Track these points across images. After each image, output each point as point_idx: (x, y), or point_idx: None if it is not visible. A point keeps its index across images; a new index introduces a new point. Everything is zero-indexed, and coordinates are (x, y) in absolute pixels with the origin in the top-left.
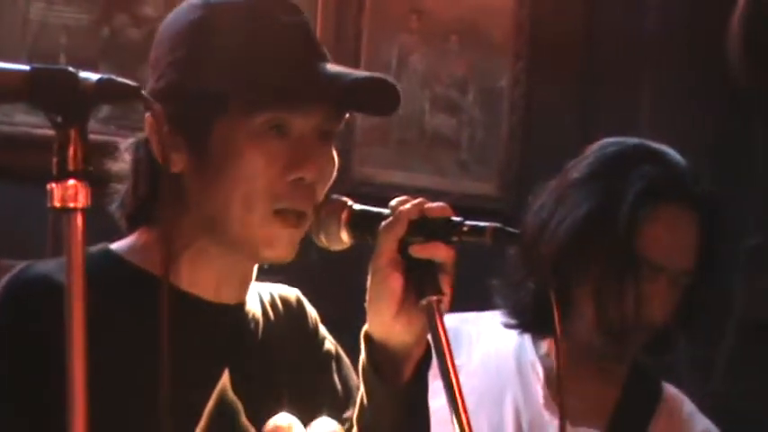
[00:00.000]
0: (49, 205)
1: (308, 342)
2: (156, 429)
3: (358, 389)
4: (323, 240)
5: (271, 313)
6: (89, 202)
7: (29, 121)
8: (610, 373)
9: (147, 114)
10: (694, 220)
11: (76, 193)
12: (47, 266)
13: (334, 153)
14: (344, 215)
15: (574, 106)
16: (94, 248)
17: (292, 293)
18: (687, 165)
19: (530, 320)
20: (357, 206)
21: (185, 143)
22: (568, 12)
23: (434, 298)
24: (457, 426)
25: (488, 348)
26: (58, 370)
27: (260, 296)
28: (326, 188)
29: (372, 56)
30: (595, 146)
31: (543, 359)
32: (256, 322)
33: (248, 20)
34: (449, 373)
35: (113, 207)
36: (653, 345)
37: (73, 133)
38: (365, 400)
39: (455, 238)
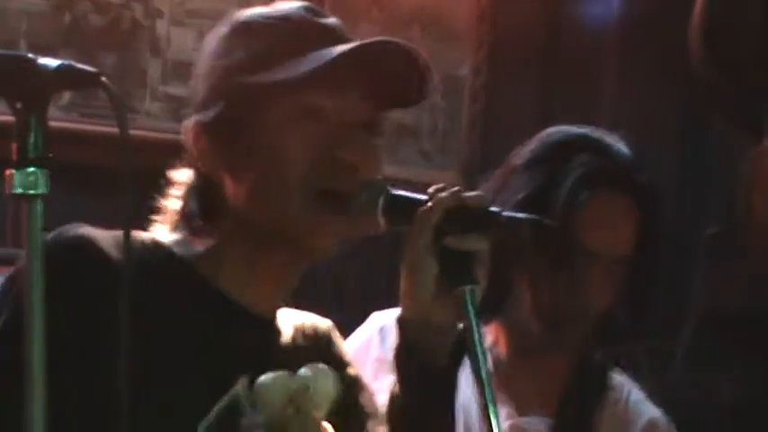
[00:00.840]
0: (8, 192)
1: (333, 367)
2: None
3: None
4: (360, 224)
5: (300, 337)
6: (48, 189)
7: None
8: (556, 362)
9: (187, 127)
10: (632, 208)
11: (37, 180)
12: (97, 232)
13: (378, 145)
14: (382, 200)
15: (536, 96)
16: (144, 235)
17: (324, 323)
18: (629, 154)
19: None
20: (394, 191)
21: (225, 146)
22: (532, 2)
23: (468, 287)
24: (484, 414)
25: None
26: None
27: (292, 319)
28: (371, 177)
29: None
30: (541, 134)
31: (490, 349)
32: (284, 340)
33: (279, 19)
34: (479, 362)
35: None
36: (599, 334)
37: (33, 120)
38: (396, 389)
39: (492, 229)
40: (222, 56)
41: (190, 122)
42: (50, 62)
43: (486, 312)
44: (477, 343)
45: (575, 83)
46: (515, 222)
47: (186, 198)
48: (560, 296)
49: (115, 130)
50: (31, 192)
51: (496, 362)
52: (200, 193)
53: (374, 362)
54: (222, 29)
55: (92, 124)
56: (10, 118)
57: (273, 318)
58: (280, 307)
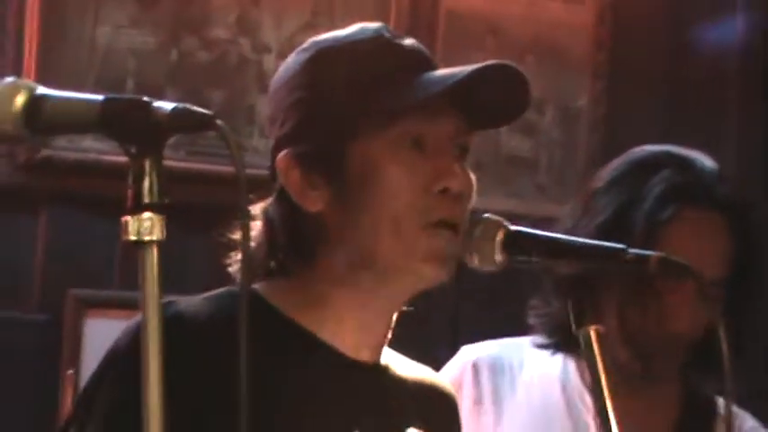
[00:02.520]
0: (123, 238)
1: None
2: None
3: None
4: (474, 261)
5: (417, 392)
6: (164, 235)
7: (97, 147)
8: (661, 396)
9: (278, 160)
10: (721, 225)
11: (152, 226)
12: (190, 305)
13: (469, 170)
14: (500, 235)
15: (657, 128)
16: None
17: (448, 387)
18: (715, 168)
19: (561, 339)
20: (513, 227)
21: (321, 179)
22: (652, 27)
23: (593, 327)
24: None
25: (532, 378)
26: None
27: (409, 369)
28: (469, 205)
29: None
30: (624, 155)
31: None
32: (399, 389)
33: (358, 46)
34: (604, 404)
35: (233, 265)
36: (698, 364)
37: (147, 164)
38: None
39: (616, 266)
40: (309, 86)
41: (281, 155)
42: (165, 105)
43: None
44: (602, 385)
45: (699, 111)
46: (642, 260)
47: (276, 235)
48: (648, 323)
49: (224, 168)
50: (147, 239)
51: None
52: (293, 229)
53: (468, 402)
54: (302, 56)
55: (200, 163)
56: (119, 158)
57: (378, 363)
58: (381, 350)
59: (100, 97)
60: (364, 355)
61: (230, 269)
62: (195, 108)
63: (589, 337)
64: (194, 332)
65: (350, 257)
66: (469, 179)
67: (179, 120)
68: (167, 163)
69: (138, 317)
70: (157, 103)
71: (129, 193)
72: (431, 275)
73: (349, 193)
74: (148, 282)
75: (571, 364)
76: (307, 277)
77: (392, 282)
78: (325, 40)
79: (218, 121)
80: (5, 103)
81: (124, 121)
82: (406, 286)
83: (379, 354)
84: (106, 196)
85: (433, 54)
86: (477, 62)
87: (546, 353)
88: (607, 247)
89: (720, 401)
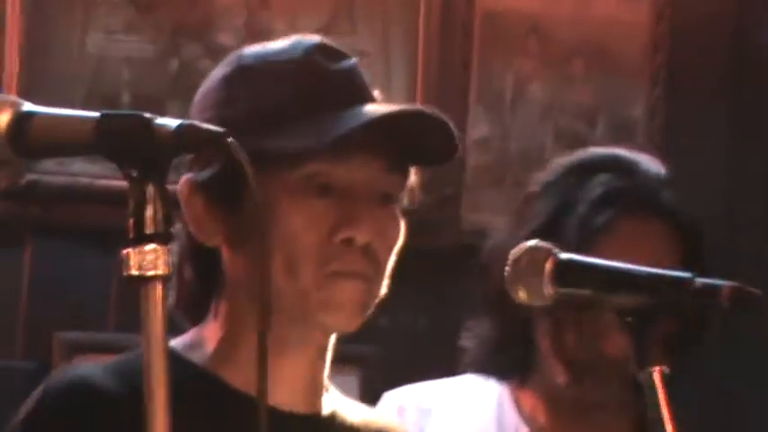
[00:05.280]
0: (123, 273)
1: None
2: None
3: None
4: (521, 295)
5: None
6: (170, 269)
7: (89, 171)
8: (615, 421)
9: (180, 184)
10: (663, 235)
11: (156, 259)
12: (93, 369)
13: (398, 215)
14: (549, 265)
15: (724, 137)
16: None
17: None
18: (660, 172)
19: (494, 363)
20: (563, 255)
21: (221, 211)
22: (714, 29)
23: (657, 368)
24: None
25: (459, 421)
26: None
27: (356, 416)
28: (391, 253)
29: (484, 86)
30: (563, 158)
31: (529, 420)
32: None
33: (280, 67)
34: None
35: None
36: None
37: (151, 189)
38: None
39: (682, 298)
40: (222, 105)
41: (184, 179)
42: (169, 122)
43: (514, 373)
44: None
45: (766, 123)
46: (712, 291)
47: (184, 265)
48: (584, 344)
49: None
50: (150, 273)
51: None
52: (195, 261)
53: None
54: (222, 70)
55: None
56: (114, 183)
57: (319, 411)
58: (319, 397)
59: (95, 114)
60: (300, 407)
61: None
62: (202, 125)
63: (653, 380)
64: (105, 401)
65: (250, 302)
66: (388, 228)
67: (185, 138)
68: (171, 187)
69: (47, 381)
70: (160, 120)
71: (130, 222)
72: (335, 326)
73: (246, 231)
74: (153, 322)
75: (505, 394)
76: (221, 324)
77: (296, 329)
78: (250, 55)
79: (230, 139)
80: None
81: (123, 141)
82: (312, 334)
83: (317, 403)
84: (99, 226)
85: (467, 61)
86: (517, 68)
87: (479, 381)
88: (672, 277)
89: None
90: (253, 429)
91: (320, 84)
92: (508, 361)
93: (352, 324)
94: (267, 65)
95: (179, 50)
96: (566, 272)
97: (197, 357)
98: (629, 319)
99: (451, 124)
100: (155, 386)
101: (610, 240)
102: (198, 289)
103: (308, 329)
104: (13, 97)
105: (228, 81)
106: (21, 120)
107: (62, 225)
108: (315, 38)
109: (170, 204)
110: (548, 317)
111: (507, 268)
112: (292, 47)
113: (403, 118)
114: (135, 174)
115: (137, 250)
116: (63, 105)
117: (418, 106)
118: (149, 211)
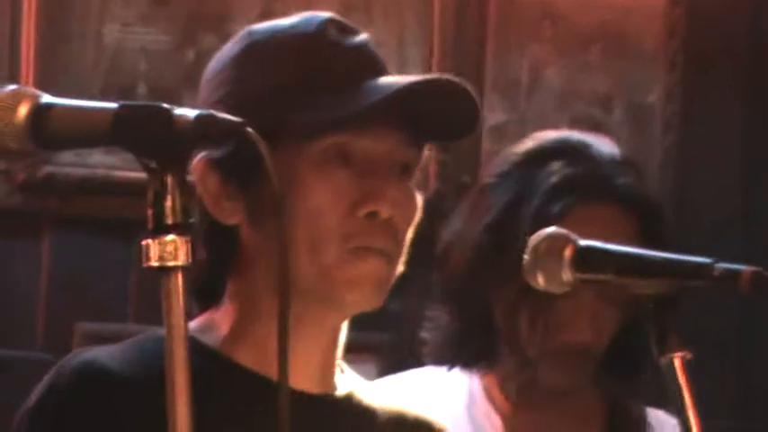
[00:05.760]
0: (143, 264)
1: None
2: None
3: None
4: (540, 281)
5: (392, 425)
6: (190, 259)
7: (107, 162)
8: (582, 407)
9: (195, 163)
10: (620, 221)
11: (176, 250)
12: (102, 353)
13: (415, 190)
14: (568, 252)
15: (741, 123)
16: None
17: (438, 424)
18: (615, 155)
19: (456, 353)
20: (583, 242)
21: (239, 188)
22: (730, 13)
23: (679, 354)
24: None
25: (431, 413)
26: None
27: (385, 400)
28: (409, 229)
29: (498, 72)
30: (516, 144)
31: (499, 408)
32: (361, 420)
33: (294, 43)
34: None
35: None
36: (612, 372)
37: (170, 180)
38: None
39: (702, 284)
40: (236, 81)
41: (198, 158)
42: (188, 113)
43: (479, 361)
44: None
45: None
46: (732, 276)
47: (195, 251)
48: (536, 331)
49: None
50: (171, 264)
51: (508, 421)
52: (211, 244)
53: None
54: (234, 47)
55: None
56: (131, 174)
57: (333, 392)
58: (331, 377)
59: (114, 105)
60: (314, 387)
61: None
62: (222, 115)
63: (674, 366)
64: (113, 385)
65: (268, 281)
66: (407, 202)
67: (204, 129)
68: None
69: (56, 367)
70: (179, 111)
71: (150, 213)
72: (356, 303)
73: (265, 208)
74: (174, 313)
75: (475, 384)
76: (235, 304)
77: (316, 309)
78: (261, 31)
79: (249, 129)
80: (7, 114)
81: (142, 132)
82: (333, 313)
83: (331, 383)
84: (117, 217)
85: (481, 47)
86: (532, 54)
87: (448, 374)
88: (692, 263)
89: (651, 412)
90: (268, 410)
91: (336, 57)
92: (473, 350)
93: (374, 301)
94: (280, 40)
95: (195, 41)
96: (585, 258)
97: (211, 339)
98: (650, 305)
99: (474, 94)
100: (177, 376)
101: (567, 229)
102: (212, 271)
103: (329, 309)
104: (32, 89)
105: (241, 58)
106: (40, 112)
107: (80, 217)
108: (325, 14)
109: (189, 195)
110: (504, 305)
111: (526, 255)
112: (304, 22)
113: (428, 85)
114: (154, 165)
115: (157, 241)
116: (79, 97)
117: (441, 75)
118: (169, 202)
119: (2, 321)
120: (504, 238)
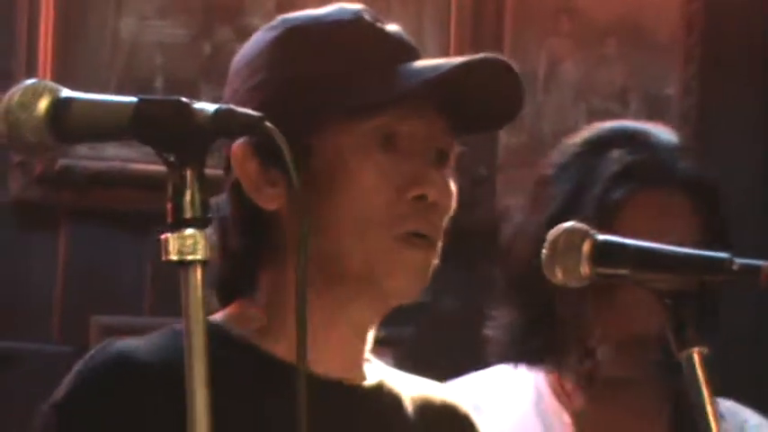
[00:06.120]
0: (163, 258)
1: None
2: None
3: None
4: (558, 276)
5: (422, 413)
6: (209, 254)
7: (123, 155)
8: (645, 398)
9: (234, 148)
10: (682, 205)
11: (196, 244)
12: (132, 343)
13: (452, 179)
14: (586, 246)
15: (759, 116)
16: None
17: (463, 404)
18: (674, 142)
19: (523, 350)
20: (601, 236)
21: (280, 173)
22: (747, 6)
23: (697, 349)
24: None
25: (502, 414)
26: None
27: (410, 388)
28: (448, 215)
29: (516, 66)
30: (574, 135)
31: (568, 404)
32: (392, 409)
33: (334, 28)
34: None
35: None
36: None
37: (189, 174)
38: None
39: (721, 279)
40: (274, 67)
41: (238, 142)
42: (206, 107)
43: (545, 358)
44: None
45: None
46: (751, 271)
47: (229, 238)
48: (608, 322)
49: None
50: (190, 258)
51: (579, 418)
52: (247, 230)
53: None
54: (269, 34)
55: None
56: (146, 166)
57: (363, 381)
58: (360, 365)
59: (133, 99)
60: (346, 375)
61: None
62: (241, 109)
63: (693, 361)
64: (144, 375)
65: (309, 268)
66: (449, 189)
67: (223, 123)
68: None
69: (85, 359)
70: (198, 105)
71: (169, 207)
72: (401, 291)
73: (309, 192)
74: (193, 306)
75: (541, 380)
76: (269, 294)
77: (359, 297)
78: (297, 19)
79: (268, 124)
80: (27, 108)
81: (161, 126)
82: (376, 302)
83: (362, 373)
84: (133, 210)
85: (499, 40)
86: (550, 47)
87: (514, 372)
88: (711, 258)
89: (720, 402)
90: (315, 407)
91: (377, 41)
92: (538, 346)
93: (416, 290)
94: (320, 25)
95: (211, 34)
96: (603, 252)
97: (241, 330)
98: (668, 300)
99: (520, 76)
100: (195, 372)
101: (629, 215)
102: (245, 260)
103: (372, 297)
104: (52, 83)
105: (281, 42)
106: (59, 106)
107: (96, 210)
108: (356, 4)
109: (208, 189)
110: (568, 296)
111: (544, 250)
112: (339, 11)
113: (473, 66)
114: (173, 159)
115: (176, 235)
116: (97, 90)
117: (487, 55)
118: (188, 196)
119: (18, 314)
120: None
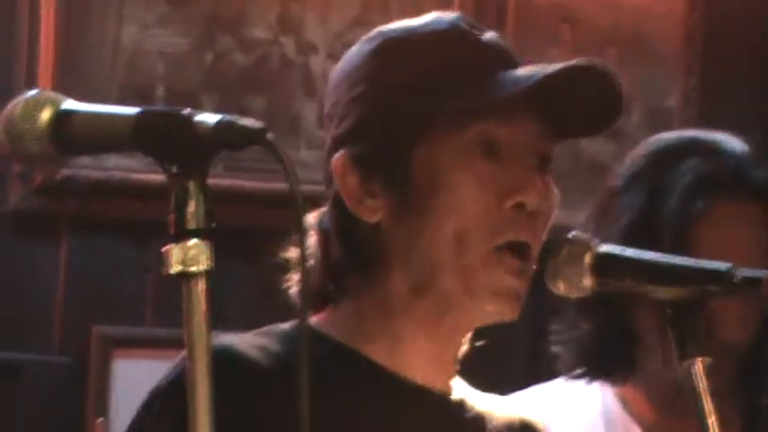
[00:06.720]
0: (166, 269)
1: None
2: None
3: None
4: (560, 287)
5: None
6: (212, 264)
7: (124, 165)
8: (728, 416)
9: (335, 161)
10: (760, 215)
11: (199, 255)
12: (235, 339)
13: (554, 184)
14: (588, 258)
15: (756, 128)
16: (289, 324)
17: (541, 425)
18: (746, 151)
19: (593, 366)
20: (603, 247)
21: (381, 185)
22: (748, 18)
23: (699, 359)
24: None
25: (570, 427)
26: None
27: (491, 405)
28: (549, 223)
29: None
30: (642, 145)
31: (639, 418)
32: (477, 425)
33: (432, 38)
34: None
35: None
36: (753, 371)
37: (191, 185)
38: None
39: (723, 290)
40: (373, 80)
41: (338, 155)
42: (208, 118)
43: (617, 371)
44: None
45: None
46: (754, 283)
47: (331, 249)
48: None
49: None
50: (193, 269)
51: (648, 430)
52: (348, 241)
53: None
54: (366, 46)
55: (242, 179)
56: (148, 176)
57: (451, 395)
58: (451, 376)
59: (134, 110)
60: (436, 385)
61: (291, 291)
62: (242, 120)
63: (695, 371)
64: (251, 372)
65: (408, 281)
66: (550, 194)
67: (225, 134)
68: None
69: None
70: (200, 116)
71: (171, 218)
72: (496, 314)
73: (410, 203)
74: (196, 318)
75: (609, 394)
76: (366, 301)
77: (453, 314)
78: (394, 30)
79: (269, 135)
80: (29, 118)
81: (163, 138)
82: (469, 321)
83: (448, 385)
84: (135, 220)
85: None
86: (551, 57)
87: (580, 385)
88: (712, 269)
89: None
90: (393, 403)
91: (475, 49)
92: (612, 359)
93: (513, 313)
94: (417, 36)
95: (213, 44)
96: (605, 264)
97: (336, 333)
98: (669, 311)
99: (619, 82)
100: (198, 384)
101: (708, 226)
102: (342, 269)
103: (465, 318)
104: (54, 94)
105: (379, 54)
106: (61, 117)
107: (98, 220)
108: (454, 13)
109: (211, 200)
110: (648, 308)
111: (546, 261)
112: (435, 20)
113: (573, 72)
114: (175, 170)
115: (179, 246)
116: (97, 100)
117: (588, 60)
118: (191, 207)
119: (19, 324)
120: (643, 239)
